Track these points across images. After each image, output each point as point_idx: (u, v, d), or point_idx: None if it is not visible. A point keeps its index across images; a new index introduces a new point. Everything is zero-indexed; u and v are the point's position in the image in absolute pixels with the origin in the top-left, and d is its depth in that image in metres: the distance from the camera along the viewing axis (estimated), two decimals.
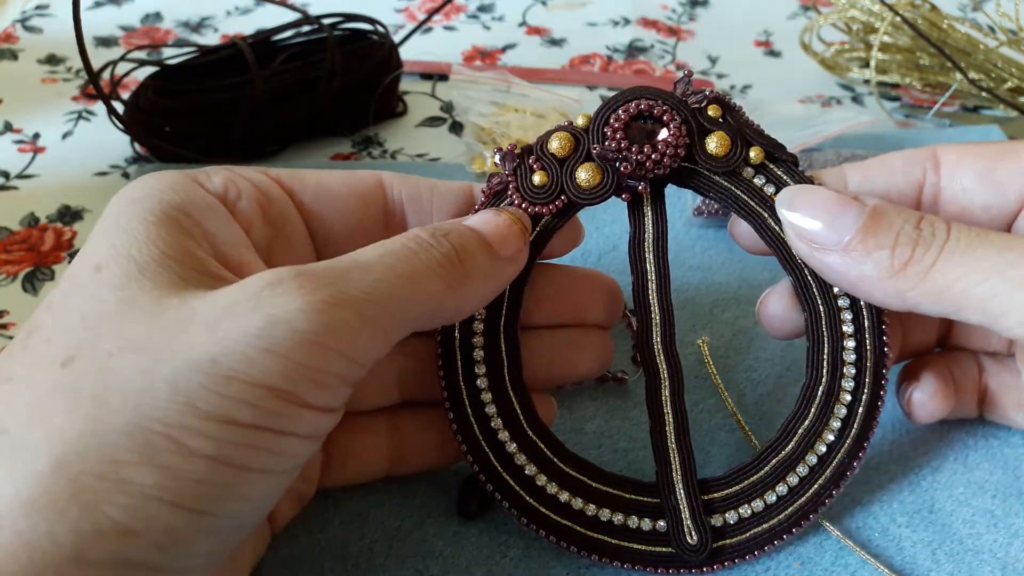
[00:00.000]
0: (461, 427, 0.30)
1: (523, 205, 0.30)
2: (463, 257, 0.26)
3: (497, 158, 0.30)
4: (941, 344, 0.35)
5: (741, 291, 0.41)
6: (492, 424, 0.30)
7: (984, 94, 0.54)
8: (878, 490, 0.33)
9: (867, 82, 0.57)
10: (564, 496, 0.30)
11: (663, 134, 0.29)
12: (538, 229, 0.30)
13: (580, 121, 0.30)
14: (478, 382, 0.30)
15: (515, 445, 0.30)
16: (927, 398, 0.32)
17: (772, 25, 0.68)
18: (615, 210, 0.46)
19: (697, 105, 0.30)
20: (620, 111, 0.29)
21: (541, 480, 0.30)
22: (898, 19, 0.53)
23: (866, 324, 0.30)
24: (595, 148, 0.29)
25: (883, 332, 0.30)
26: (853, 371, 0.30)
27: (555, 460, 0.30)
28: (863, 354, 0.30)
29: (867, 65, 0.56)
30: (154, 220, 0.24)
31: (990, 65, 0.53)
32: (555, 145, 0.30)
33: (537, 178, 0.30)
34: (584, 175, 0.29)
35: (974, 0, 0.70)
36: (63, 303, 0.23)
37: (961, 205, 0.30)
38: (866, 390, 0.30)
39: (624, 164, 0.29)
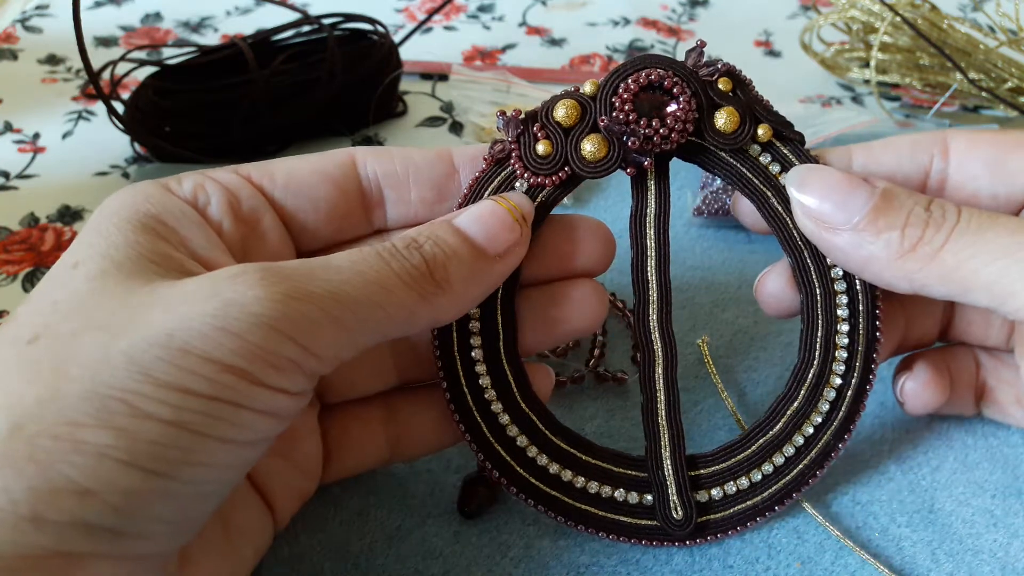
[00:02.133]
0: (455, 398, 0.30)
1: (525, 175, 0.29)
2: (434, 269, 0.25)
3: (500, 123, 0.29)
4: (941, 338, 0.35)
5: (741, 291, 0.41)
6: (486, 396, 0.30)
7: (984, 94, 0.54)
8: (878, 490, 0.33)
9: (867, 82, 0.57)
10: (554, 467, 0.30)
11: (672, 108, 0.29)
12: (539, 200, 0.30)
13: (587, 88, 0.29)
14: (473, 354, 0.30)
15: (508, 417, 0.30)
16: (920, 387, 0.32)
17: (772, 25, 0.68)
18: (617, 209, 0.46)
19: (708, 77, 0.29)
20: (629, 80, 0.29)
21: (532, 452, 0.30)
22: (898, 19, 0.53)
23: (861, 309, 0.30)
24: (603, 120, 0.29)
25: (877, 317, 0.30)
26: (845, 355, 0.30)
27: (546, 432, 0.30)
28: (856, 339, 0.30)
29: (867, 65, 0.56)
30: (131, 227, 0.25)
31: (990, 65, 0.53)
32: (561, 113, 0.29)
33: (541, 147, 0.29)
34: (589, 147, 0.29)
35: (974, 0, 0.70)
36: (39, 296, 0.23)
37: (968, 192, 0.30)
38: (856, 375, 0.30)
39: (632, 139, 0.29)
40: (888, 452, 0.34)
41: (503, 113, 0.29)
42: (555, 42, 0.65)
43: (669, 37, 0.66)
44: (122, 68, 0.51)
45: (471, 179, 0.30)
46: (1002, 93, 0.53)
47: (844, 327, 0.30)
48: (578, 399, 0.36)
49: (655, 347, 0.30)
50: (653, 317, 0.30)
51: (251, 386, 0.22)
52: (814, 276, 0.30)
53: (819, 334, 0.30)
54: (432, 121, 0.55)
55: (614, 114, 0.29)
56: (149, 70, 0.50)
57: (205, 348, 0.21)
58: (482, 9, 0.69)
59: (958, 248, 0.26)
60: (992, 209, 0.30)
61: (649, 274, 0.30)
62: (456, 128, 0.54)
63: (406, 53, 0.57)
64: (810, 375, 0.30)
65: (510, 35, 0.66)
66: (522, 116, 0.29)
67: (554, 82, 0.59)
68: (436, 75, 0.59)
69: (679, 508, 0.29)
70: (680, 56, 0.30)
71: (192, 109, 0.47)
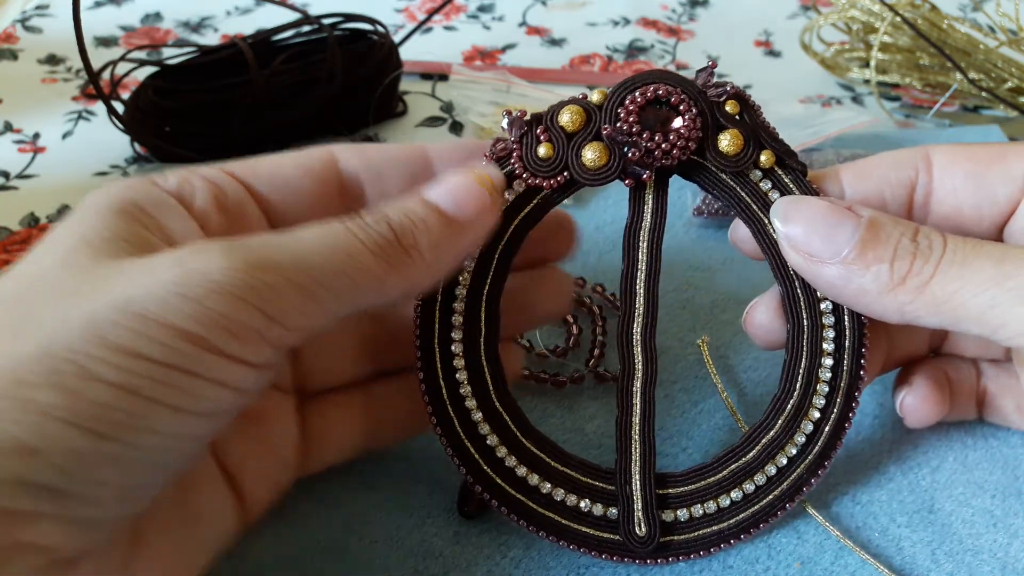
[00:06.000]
0: (430, 390, 0.30)
1: (524, 175, 0.29)
2: (403, 237, 0.26)
3: (504, 122, 0.29)
4: (935, 352, 0.35)
5: (741, 291, 0.41)
6: (461, 391, 0.30)
7: (984, 94, 0.54)
8: (878, 490, 0.33)
9: (867, 82, 0.57)
10: (522, 471, 0.30)
11: (676, 124, 0.29)
12: (535, 202, 0.30)
13: (595, 97, 0.29)
14: (453, 347, 0.30)
15: (480, 414, 0.30)
16: (918, 402, 0.32)
17: (772, 25, 0.68)
18: (616, 210, 0.46)
19: (716, 99, 0.29)
20: (637, 93, 0.29)
21: (501, 452, 0.30)
22: (898, 19, 0.53)
23: (847, 344, 0.30)
24: (606, 129, 0.29)
25: (862, 355, 0.30)
26: (826, 389, 0.30)
27: (518, 434, 0.30)
28: (839, 373, 0.30)
29: (867, 65, 0.56)
30: (110, 212, 0.25)
31: (990, 65, 0.53)
32: (566, 118, 0.29)
33: (542, 150, 0.29)
34: (590, 154, 0.29)
35: (974, 0, 0.70)
36: (9, 271, 0.24)
37: (952, 206, 0.30)
38: (836, 409, 0.30)
39: (632, 150, 0.29)
40: (888, 452, 0.34)
41: (509, 113, 0.29)
42: (555, 42, 0.65)
43: (669, 37, 0.66)
44: (122, 68, 0.51)
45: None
46: (1002, 93, 0.53)
47: (828, 361, 0.30)
48: (578, 399, 0.36)
49: (636, 360, 0.30)
50: (637, 330, 0.30)
51: (208, 354, 0.22)
52: (803, 307, 0.30)
53: (802, 365, 0.30)
54: (432, 121, 0.55)
55: (618, 124, 0.29)
56: (149, 70, 0.50)
57: (162, 313, 0.21)
58: (482, 9, 0.69)
59: (946, 280, 0.26)
60: (976, 222, 0.30)
61: (638, 287, 0.30)
62: (456, 128, 0.54)
63: (406, 53, 0.57)
64: (789, 406, 0.30)
65: (510, 35, 0.66)
66: (527, 117, 0.29)
67: (554, 82, 0.59)
68: (436, 75, 0.59)
69: (643, 525, 0.29)
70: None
71: (192, 109, 0.47)
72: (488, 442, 0.30)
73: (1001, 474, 0.33)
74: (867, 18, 0.55)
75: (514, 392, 0.31)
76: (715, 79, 0.30)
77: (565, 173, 0.29)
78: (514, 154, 0.29)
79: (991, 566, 0.30)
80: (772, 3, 0.71)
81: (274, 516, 0.31)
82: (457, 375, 0.30)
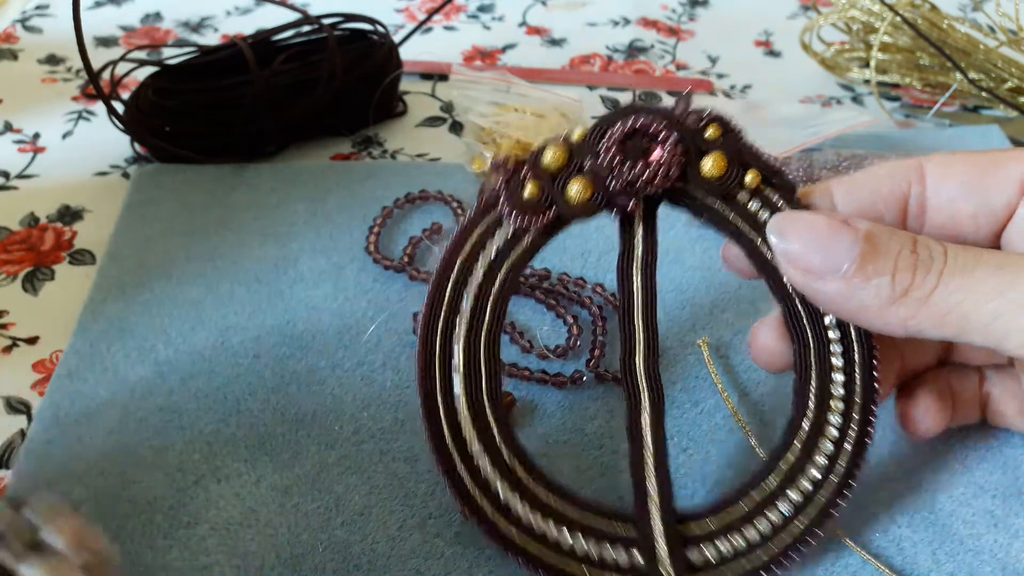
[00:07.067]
0: (434, 439, 0.29)
1: (512, 215, 0.29)
2: None
3: (489, 168, 0.30)
4: (943, 361, 0.34)
5: (741, 291, 0.41)
6: (470, 450, 0.29)
7: (984, 94, 0.54)
8: (878, 490, 0.33)
9: (867, 82, 0.57)
10: (535, 519, 0.28)
11: (657, 153, 0.29)
12: (525, 242, 0.30)
13: (576, 135, 0.30)
14: (455, 389, 0.29)
15: (487, 459, 0.29)
16: (921, 415, 0.32)
17: (772, 25, 0.68)
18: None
19: (696, 125, 0.30)
20: (617, 126, 0.29)
21: (513, 502, 0.29)
22: (898, 19, 0.53)
23: (856, 359, 0.30)
24: (587, 163, 0.29)
25: (874, 367, 0.30)
26: (841, 406, 0.29)
27: (525, 481, 0.29)
28: (852, 389, 0.29)
29: (867, 65, 0.56)
30: None
31: (990, 65, 0.53)
32: (548, 158, 0.30)
33: (528, 190, 0.29)
34: (575, 188, 0.29)
35: (974, 0, 0.70)
36: None
37: (948, 215, 0.30)
38: (854, 426, 0.29)
39: (615, 181, 0.29)
40: (888, 453, 0.34)
41: (495, 159, 0.30)
42: (555, 42, 0.65)
43: (669, 37, 0.65)
44: (122, 68, 0.51)
45: (464, 221, 0.30)
46: (1002, 93, 0.53)
47: (839, 377, 0.30)
48: (578, 399, 0.36)
49: (642, 394, 0.30)
50: (639, 363, 0.30)
51: None
52: (806, 324, 0.30)
53: (812, 384, 0.30)
54: (432, 121, 0.55)
55: (599, 159, 0.29)
56: (149, 70, 0.50)
57: None
58: (482, 9, 0.69)
59: (948, 292, 0.26)
60: (973, 230, 0.30)
61: (636, 319, 0.30)
62: (456, 128, 0.54)
63: (406, 53, 0.57)
64: (805, 427, 0.29)
65: (510, 35, 0.66)
66: (511, 164, 0.30)
67: (554, 82, 0.59)
68: (436, 75, 0.59)
69: (670, 569, 0.28)
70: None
71: (192, 109, 0.47)
72: (497, 489, 0.29)
73: (1002, 474, 0.33)
74: (867, 18, 0.56)
75: (514, 392, 0.31)
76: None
77: (553, 210, 0.29)
78: (501, 197, 0.30)
79: (992, 566, 0.30)
80: (772, 3, 0.71)
81: (275, 516, 0.31)
82: (459, 418, 0.29)
